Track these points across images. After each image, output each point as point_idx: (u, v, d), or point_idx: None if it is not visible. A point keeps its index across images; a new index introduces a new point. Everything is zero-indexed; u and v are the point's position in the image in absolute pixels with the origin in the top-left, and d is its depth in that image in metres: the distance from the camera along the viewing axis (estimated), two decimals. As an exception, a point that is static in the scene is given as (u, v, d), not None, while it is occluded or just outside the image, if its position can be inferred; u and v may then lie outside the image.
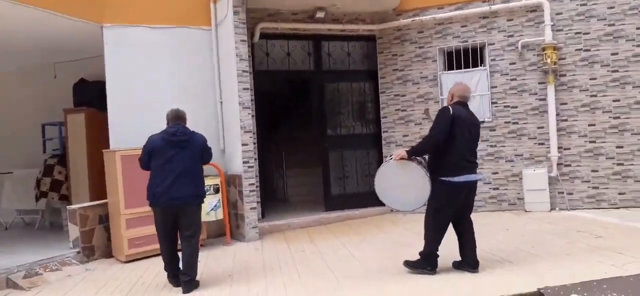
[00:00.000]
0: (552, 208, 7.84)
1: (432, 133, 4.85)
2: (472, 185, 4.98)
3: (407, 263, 5.17)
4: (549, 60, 7.69)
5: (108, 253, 6.81)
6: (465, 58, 8.26)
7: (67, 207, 7.09)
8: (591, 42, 7.70)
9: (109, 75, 7.09)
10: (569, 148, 7.85)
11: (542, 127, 7.92)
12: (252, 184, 7.32)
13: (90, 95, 8.32)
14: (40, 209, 8.98)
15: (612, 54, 7.61)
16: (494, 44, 8.13)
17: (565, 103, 7.84)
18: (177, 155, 4.99)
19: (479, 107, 8.21)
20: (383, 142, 8.81)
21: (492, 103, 8.15)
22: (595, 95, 7.70)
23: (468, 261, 5.06)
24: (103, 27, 7.04)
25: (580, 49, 7.75)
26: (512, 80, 8.06)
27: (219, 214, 7.00)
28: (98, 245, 6.77)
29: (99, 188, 7.55)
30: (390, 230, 7.17)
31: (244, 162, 7.22)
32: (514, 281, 4.60)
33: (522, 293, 4.34)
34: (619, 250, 5.37)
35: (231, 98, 7.39)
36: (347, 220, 8.16)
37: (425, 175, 4.83)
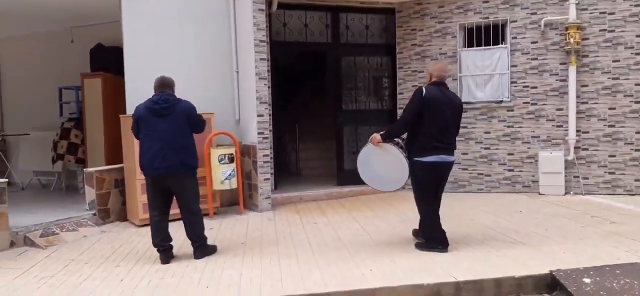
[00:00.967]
0: (567, 192, 7.76)
1: (403, 114, 5.04)
2: (443, 166, 5.00)
3: (418, 245, 5.20)
4: (572, 40, 7.52)
5: (123, 217, 6.90)
6: (486, 35, 8.12)
7: (84, 169, 7.19)
8: (616, 22, 7.51)
9: (126, 40, 7.09)
10: (587, 132, 7.74)
11: (561, 109, 7.80)
12: (267, 155, 7.33)
13: (107, 60, 8.36)
14: (56, 171, 9.12)
15: (637, 36, 7.43)
16: (516, 21, 7.96)
17: (586, 85, 7.69)
18: (159, 124, 4.85)
19: (497, 86, 8.10)
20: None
21: (512, 82, 8.03)
22: (618, 78, 7.54)
23: (439, 241, 5.09)
24: (122, -8, 7.02)
25: (605, 30, 7.56)
26: (533, 59, 7.92)
27: (233, 183, 7.03)
28: (113, 208, 6.86)
29: (114, 153, 7.64)
30: (402, 207, 7.16)
31: (258, 133, 7.22)
32: (526, 263, 4.59)
33: (534, 274, 4.34)
34: (634, 236, 5.33)
35: (247, 68, 7.36)
36: (360, 195, 8.16)
37: (403, 155, 4.95)
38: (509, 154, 8.09)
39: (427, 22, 8.41)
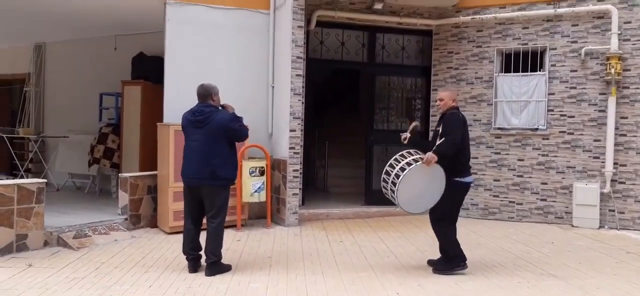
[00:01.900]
0: (601, 226, 7.54)
1: (452, 136, 4.89)
2: (470, 186, 5.24)
3: (439, 270, 5.15)
4: (612, 71, 7.36)
5: (153, 223, 7.02)
6: (524, 61, 8.02)
7: (119, 174, 7.36)
8: (660, 55, 7.32)
9: (168, 50, 7.28)
10: (624, 165, 7.52)
11: (599, 140, 7.61)
12: (297, 170, 7.37)
13: (148, 69, 8.57)
14: (91, 174, 9.36)
15: (683, 70, 7.22)
16: (555, 48, 7.85)
17: (626, 118, 7.50)
18: (196, 134, 4.94)
19: (534, 113, 7.98)
20: (430, 141, 8.68)
21: (548, 110, 7.89)
22: (660, 112, 7.34)
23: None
24: (166, 4, 7.21)
25: (648, 62, 7.39)
26: (571, 88, 7.77)
27: (262, 197, 7.09)
28: (145, 214, 6.99)
29: (148, 160, 7.81)
30: (430, 231, 7.04)
31: (290, 148, 7.28)
32: (558, 296, 4.47)
33: (566, 308, 4.22)
34: (673, 276, 5.14)
35: (283, 83, 7.45)
36: (387, 216, 8.11)
37: (444, 176, 4.93)
38: (542, 183, 7.92)
39: (464, 45, 8.36)
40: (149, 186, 7.04)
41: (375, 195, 8.54)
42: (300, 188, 7.71)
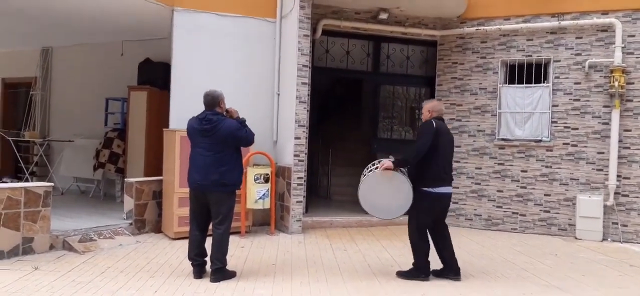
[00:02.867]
0: (604, 239, 7.55)
1: (417, 144, 5.07)
2: (449, 197, 5.23)
3: (400, 274, 5.30)
4: (616, 84, 7.40)
5: (158, 228, 7.06)
6: (528, 73, 8.06)
7: (125, 179, 7.39)
8: (664, 69, 7.36)
9: (175, 57, 7.34)
10: (628, 178, 7.54)
11: (603, 153, 7.64)
12: (301, 178, 7.41)
13: (154, 75, 8.61)
14: (96, 179, 9.38)
15: (686, 84, 7.26)
16: (559, 61, 7.89)
17: (629, 130, 7.53)
18: (203, 142, 4.98)
19: (537, 124, 8.01)
20: (434, 150, 8.70)
21: (552, 122, 7.92)
22: (664, 126, 7.37)
23: (450, 268, 5.25)
24: (174, 10, 7.28)
25: (652, 76, 7.43)
26: (575, 100, 7.81)
27: (267, 204, 7.12)
28: (149, 219, 7.03)
29: (153, 165, 7.85)
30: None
31: (295, 155, 7.31)
32: (562, 308, 4.48)
33: (570, 320, 4.24)
34: (677, 289, 5.14)
35: (288, 91, 7.49)
36: (391, 225, 8.12)
37: (410, 185, 5.05)
38: (545, 195, 7.94)
39: (469, 56, 8.41)
40: (154, 191, 7.08)
41: (378, 204, 8.55)
42: (304, 196, 7.73)
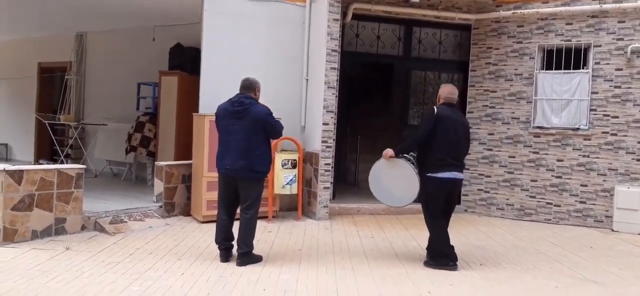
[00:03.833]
0: (644, 231, 7.25)
1: (417, 131, 5.23)
2: (455, 183, 5.18)
3: (427, 263, 5.24)
4: (661, 71, 7.04)
5: (187, 212, 7.12)
6: (567, 58, 7.75)
7: (155, 162, 7.49)
8: None
9: (205, 41, 7.34)
10: (672, 169, 7.20)
11: (645, 142, 7.31)
12: (328, 164, 7.35)
13: (184, 60, 8.67)
14: (128, 162, 9.56)
15: None
16: (600, 46, 7.55)
17: (675, 120, 7.18)
18: (233, 125, 4.94)
19: (575, 112, 7.71)
20: (465, 138, 8.49)
21: (591, 110, 7.61)
22: None
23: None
24: (204, -5, 7.28)
25: (700, 62, 7.03)
26: (616, 87, 7.47)
27: (294, 189, 7.10)
28: (178, 202, 7.10)
29: (183, 149, 7.92)
30: (463, 230, 6.95)
31: (322, 141, 7.25)
32: (598, 302, 4.31)
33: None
34: None
35: (317, 76, 7.42)
36: (419, 213, 7.80)
37: (414, 171, 5.12)
38: (582, 185, 7.66)
39: (504, 40, 8.14)
40: (183, 175, 7.14)
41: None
42: (331, 182, 7.68)
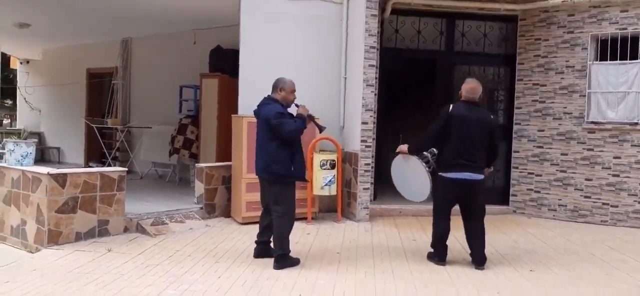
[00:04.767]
0: None
1: (429, 129, 5.20)
2: (468, 184, 4.99)
3: (428, 255, 5.33)
4: None
5: (227, 213, 7.13)
6: (622, 48, 7.26)
7: (196, 164, 7.54)
8: None
9: (242, 43, 7.34)
10: None
11: None
12: (368, 164, 7.17)
13: (224, 62, 8.71)
14: (172, 164, 9.72)
15: None
16: (659, 34, 7.04)
17: None
18: (257, 125, 5.06)
19: (633, 105, 7.22)
20: (513, 136, 8.11)
21: (650, 103, 7.11)
22: None
23: (472, 257, 5.15)
24: (242, -4, 7.28)
25: None
26: (678, 78, 6.94)
27: (333, 190, 6.97)
28: (219, 203, 7.11)
29: (224, 150, 7.94)
30: (511, 232, 6.64)
31: (361, 141, 7.09)
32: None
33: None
34: None
35: (356, 74, 7.26)
36: (465, 214, 7.68)
37: (425, 168, 5.09)
38: (642, 184, 7.16)
39: (554, 31, 7.71)
40: (223, 176, 7.15)
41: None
42: (371, 183, 7.50)
